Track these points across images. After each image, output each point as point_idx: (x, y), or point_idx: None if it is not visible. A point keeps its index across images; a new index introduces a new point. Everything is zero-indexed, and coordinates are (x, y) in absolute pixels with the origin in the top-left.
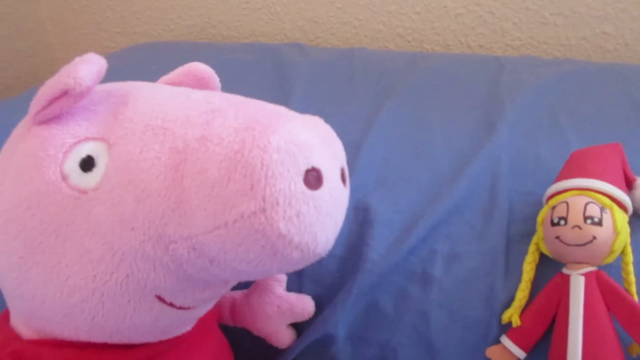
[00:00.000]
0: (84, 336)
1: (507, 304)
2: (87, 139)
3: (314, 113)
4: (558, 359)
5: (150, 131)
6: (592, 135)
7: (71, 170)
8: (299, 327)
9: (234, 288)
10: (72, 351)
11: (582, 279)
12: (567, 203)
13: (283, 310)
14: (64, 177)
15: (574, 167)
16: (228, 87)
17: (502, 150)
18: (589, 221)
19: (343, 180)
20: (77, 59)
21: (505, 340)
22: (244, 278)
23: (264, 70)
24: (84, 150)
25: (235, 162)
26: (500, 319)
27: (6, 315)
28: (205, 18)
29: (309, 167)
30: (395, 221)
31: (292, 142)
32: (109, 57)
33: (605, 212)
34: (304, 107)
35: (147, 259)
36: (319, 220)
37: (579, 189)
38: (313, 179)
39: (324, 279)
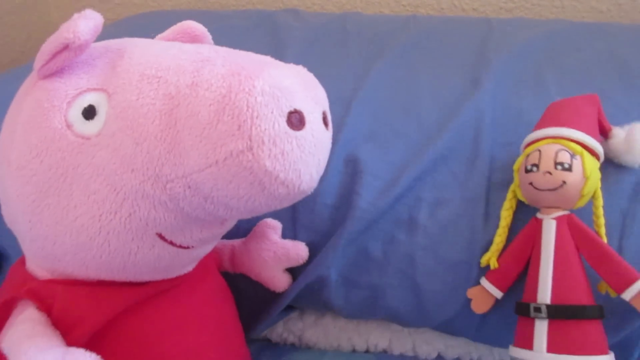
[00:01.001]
0: (93, 274)
1: (487, 247)
2: (88, 89)
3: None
4: (531, 297)
5: (146, 80)
6: (575, 90)
7: (75, 118)
8: (294, 273)
9: (232, 237)
10: (83, 288)
11: (553, 223)
12: (539, 151)
13: (279, 255)
14: (69, 125)
15: (550, 117)
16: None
17: (486, 104)
18: (559, 167)
19: (325, 123)
20: (76, 15)
21: (484, 281)
22: (236, 215)
23: (259, 35)
24: (85, 100)
25: (223, 105)
26: (479, 262)
27: (22, 260)
28: None
29: (292, 109)
30: (383, 171)
31: (275, 86)
32: (109, 27)
33: (576, 159)
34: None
35: (147, 198)
36: (303, 159)
37: (552, 138)
38: (296, 120)
39: (316, 227)
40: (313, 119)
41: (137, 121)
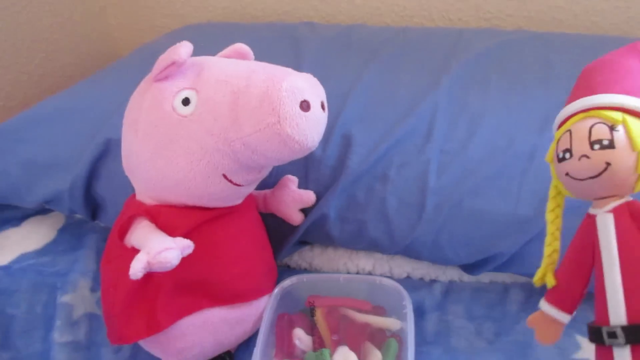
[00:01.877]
0: (183, 200)
1: (437, 193)
2: (185, 88)
3: (319, 76)
4: (602, 319)
5: (219, 83)
6: (507, 86)
7: (177, 105)
8: (305, 213)
9: (265, 188)
10: (177, 208)
11: (610, 217)
12: (570, 131)
13: (295, 199)
14: (174, 109)
15: (582, 84)
16: (256, 59)
17: (441, 98)
18: (597, 146)
19: (323, 108)
20: (178, 44)
21: (544, 305)
22: (270, 163)
23: (283, 46)
24: (183, 94)
25: (264, 97)
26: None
27: (132, 197)
28: (237, 1)
29: (303, 99)
30: (367, 143)
31: (293, 85)
32: (168, 37)
33: (617, 130)
34: (311, 71)
35: (219, 152)
36: (309, 129)
37: (584, 111)
38: (305, 106)
39: (321, 181)
40: (315, 105)
41: (215, 106)
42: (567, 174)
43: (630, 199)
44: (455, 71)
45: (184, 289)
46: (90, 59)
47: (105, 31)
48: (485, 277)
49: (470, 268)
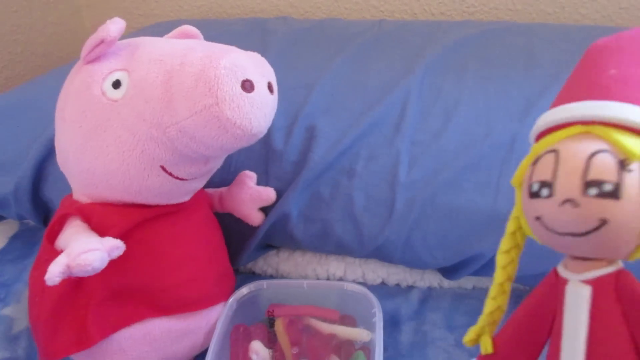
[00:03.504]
0: (119, 196)
1: (407, 187)
2: (116, 69)
3: (284, 66)
4: None
5: (152, 62)
6: (486, 75)
7: (107, 88)
8: (266, 213)
9: (220, 186)
10: (112, 207)
11: (586, 290)
12: (556, 153)
13: (254, 197)
14: (103, 93)
15: (583, 75)
16: None
17: (413, 86)
18: (593, 190)
19: (270, 90)
20: (108, 21)
21: None
22: (212, 152)
23: (252, 39)
24: (114, 76)
25: (199, 76)
26: (400, 201)
27: (70, 195)
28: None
29: (244, 78)
30: (332, 135)
31: (233, 63)
32: (136, 33)
33: (630, 170)
34: (275, 61)
35: (153, 140)
36: (252, 112)
37: (584, 123)
38: (248, 85)
39: (282, 177)
40: (260, 86)
41: (147, 88)
42: (538, 218)
43: (621, 266)
44: (430, 59)
45: (121, 297)
46: (62, 61)
47: (80, 33)
48: (467, 282)
49: (449, 272)
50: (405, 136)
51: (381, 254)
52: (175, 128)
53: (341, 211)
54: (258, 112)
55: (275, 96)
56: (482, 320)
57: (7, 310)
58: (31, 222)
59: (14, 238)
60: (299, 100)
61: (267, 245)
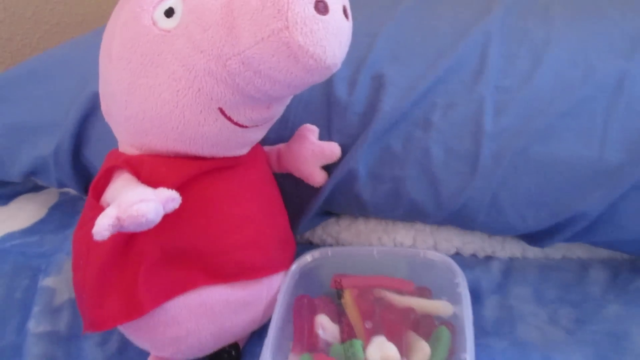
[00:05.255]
0: (171, 146)
1: (493, 137)
2: None
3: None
4: None
5: None
6: (574, 13)
7: (158, 17)
8: (329, 172)
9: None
10: (164, 158)
11: None
12: None
13: (316, 153)
14: (154, 23)
15: None
16: None
17: (493, 27)
18: None
19: (345, 15)
20: None
21: None
22: (279, 90)
23: None
24: (166, 4)
25: None
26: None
27: (115, 149)
28: None
29: None
30: (403, 82)
31: None
32: None
33: None
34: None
35: (211, 75)
36: (327, 38)
37: None
38: (322, 7)
39: (347, 131)
40: (335, 8)
41: (204, 13)
42: None
43: None
44: (507, 0)
45: (175, 261)
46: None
47: None
48: (555, 252)
49: (537, 238)
50: (489, 81)
51: (460, 218)
52: (238, 59)
53: (416, 168)
54: (333, 39)
55: (350, 23)
56: None
57: (49, 281)
58: (71, 192)
59: (53, 208)
60: (362, 49)
61: (326, 213)
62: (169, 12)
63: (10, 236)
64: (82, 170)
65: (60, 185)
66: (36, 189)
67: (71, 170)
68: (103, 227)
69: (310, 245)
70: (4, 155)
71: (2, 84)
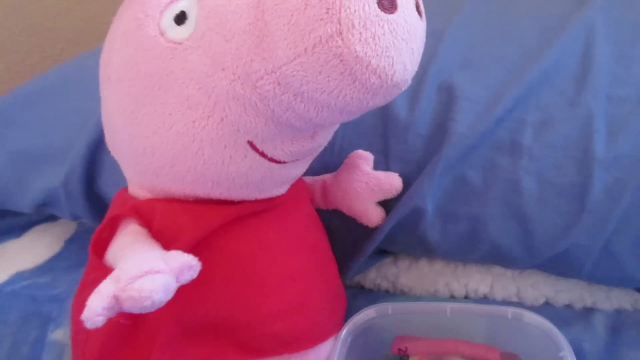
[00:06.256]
0: (189, 189)
1: (605, 168)
2: None
3: None
4: None
5: None
6: None
7: (167, 25)
8: (387, 208)
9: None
10: (181, 205)
11: None
12: None
13: (371, 186)
14: (162, 33)
15: None
16: None
17: (596, 19)
18: None
19: (418, 11)
20: None
21: None
22: (327, 116)
23: None
24: (177, 7)
25: None
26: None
27: (124, 189)
28: None
29: None
30: (481, 95)
31: None
32: None
33: None
34: None
35: (237, 100)
36: (395, 45)
37: None
38: (387, 2)
39: (409, 157)
40: (406, 2)
41: (226, 17)
42: None
43: None
44: None
45: (196, 335)
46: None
47: None
48: None
49: None
50: (598, 91)
51: (560, 266)
52: (272, 79)
53: (500, 205)
54: (404, 46)
55: (424, 23)
56: None
57: (59, 334)
58: (88, 223)
59: (70, 242)
60: (426, 52)
61: (382, 251)
62: (180, 18)
63: (21, 276)
64: (97, 202)
65: (75, 217)
66: (52, 217)
67: (85, 202)
68: (95, 311)
69: (361, 291)
70: (12, 186)
71: (10, 105)
